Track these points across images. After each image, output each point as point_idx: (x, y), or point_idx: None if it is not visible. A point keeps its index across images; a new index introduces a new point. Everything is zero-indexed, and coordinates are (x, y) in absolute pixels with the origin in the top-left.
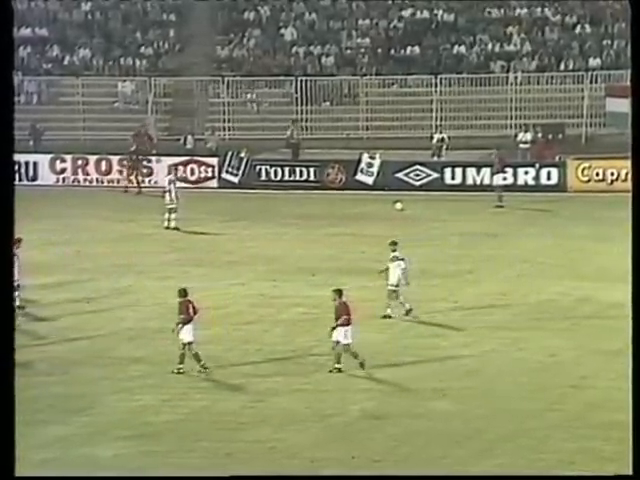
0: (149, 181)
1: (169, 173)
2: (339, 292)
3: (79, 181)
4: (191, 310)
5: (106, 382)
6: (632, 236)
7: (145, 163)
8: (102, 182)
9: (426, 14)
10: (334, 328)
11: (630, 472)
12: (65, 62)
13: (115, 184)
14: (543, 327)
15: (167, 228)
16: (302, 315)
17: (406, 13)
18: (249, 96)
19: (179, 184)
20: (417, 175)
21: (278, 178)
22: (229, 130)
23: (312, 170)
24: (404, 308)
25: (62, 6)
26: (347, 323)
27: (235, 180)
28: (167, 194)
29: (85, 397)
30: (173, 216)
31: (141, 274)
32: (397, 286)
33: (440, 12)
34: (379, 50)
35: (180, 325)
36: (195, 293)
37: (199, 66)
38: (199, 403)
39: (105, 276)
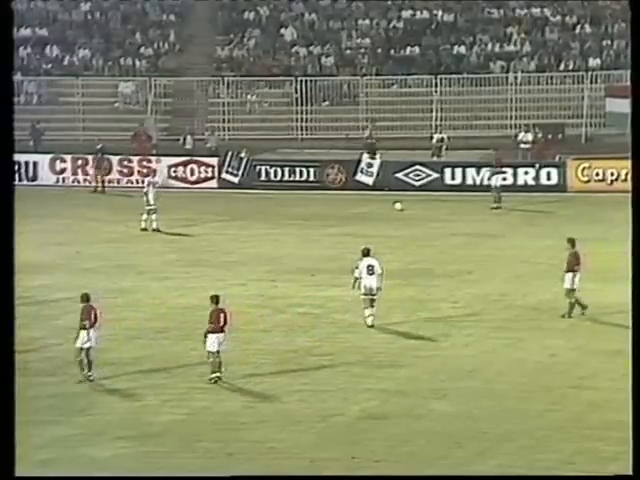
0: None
1: (148, 175)
2: (216, 298)
3: (79, 181)
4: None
5: (106, 382)
6: (632, 236)
7: (145, 163)
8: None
9: (426, 14)
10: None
11: (630, 472)
12: (65, 62)
13: (115, 184)
14: (543, 327)
15: (144, 229)
16: (302, 315)
17: (406, 13)
18: (249, 96)
19: (180, 184)
20: (417, 175)
21: (278, 178)
22: (229, 130)
23: (312, 170)
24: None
25: (62, 6)
26: (220, 330)
27: (235, 180)
28: (145, 195)
29: (85, 397)
30: (153, 217)
31: (141, 274)
32: (374, 294)
33: (440, 12)
34: (379, 50)
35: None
36: (196, 293)
37: (199, 66)
38: (199, 403)
39: (105, 276)
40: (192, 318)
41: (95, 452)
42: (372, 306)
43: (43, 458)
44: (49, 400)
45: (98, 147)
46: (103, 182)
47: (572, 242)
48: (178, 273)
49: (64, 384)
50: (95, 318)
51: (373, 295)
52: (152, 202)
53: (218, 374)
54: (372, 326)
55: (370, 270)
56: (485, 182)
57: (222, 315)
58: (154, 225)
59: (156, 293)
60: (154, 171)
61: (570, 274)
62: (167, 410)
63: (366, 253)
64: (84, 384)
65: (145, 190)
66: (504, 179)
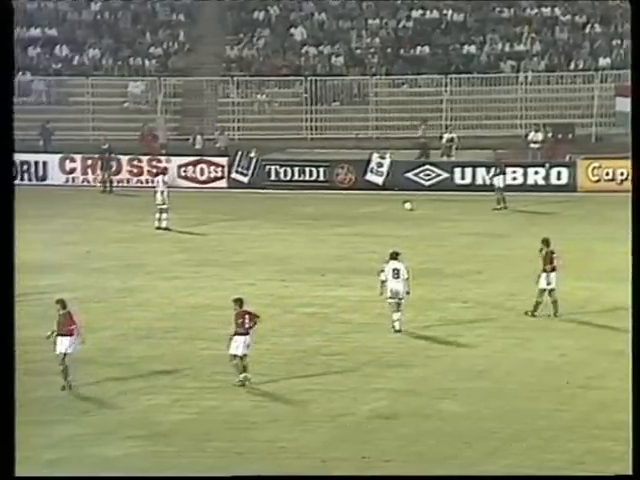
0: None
1: (158, 174)
2: (240, 301)
3: (88, 181)
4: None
5: (116, 382)
6: (632, 236)
7: (154, 163)
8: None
9: (436, 14)
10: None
11: (630, 472)
12: (75, 62)
13: (125, 184)
14: (551, 327)
15: (159, 228)
16: (312, 315)
17: (416, 13)
18: (259, 96)
19: (189, 184)
20: (427, 175)
21: (288, 178)
22: (239, 130)
23: (322, 170)
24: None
25: (71, 6)
26: (245, 333)
27: (245, 180)
28: (158, 194)
29: (95, 397)
30: (164, 216)
31: (150, 274)
32: (401, 298)
33: (450, 12)
34: (389, 50)
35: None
36: (205, 293)
37: (208, 66)
38: (209, 403)
39: (114, 275)
40: (202, 318)
41: (105, 451)
42: (399, 310)
43: (52, 458)
44: (59, 400)
45: (104, 147)
46: (110, 182)
47: (546, 242)
48: (187, 273)
49: (74, 384)
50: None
51: (400, 299)
52: (163, 201)
53: (245, 374)
54: (399, 331)
55: (396, 274)
56: (495, 182)
57: (247, 317)
58: (164, 224)
59: (165, 293)
60: (166, 170)
61: (544, 274)
62: (177, 409)
63: (394, 256)
64: (94, 384)
65: (157, 189)
66: (511, 178)
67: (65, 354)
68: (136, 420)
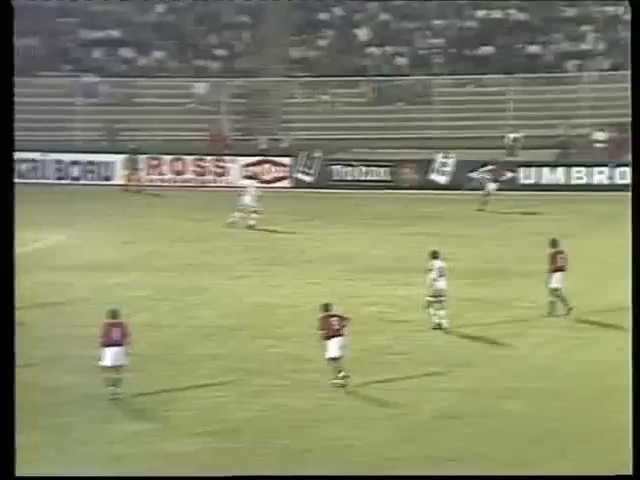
0: (222, 181)
1: (248, 177)
2: (326, 306)
3: (153, 181)
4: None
5: (182, 379)
6: (632, 236)
7: (219, 163)
8: (176, 182)
9: (500, 13)
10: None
11: (630, 472)
12: (139, 63)
13: (190, 184)
14: (617, 327)
15: (250, 227)
16: (377, 314)
17: (480, 13)
18: (323, 96)
19: (254, 183)
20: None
21: (352, 178)
22: (303, 130)
23: (386, 170)
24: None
25: (136, 8)
26: (337, 335)
27: (309, 180)
28: (246, 196)
29: (161, 394)
30: (254, 215)
31: (216, 273)
32: (444, 296)
33: (514, 11)
34: (453, 50)
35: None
36: (272, 292)
37: (273, 67)
38: (275, 400)
39: (179, 274)
40: (267, 316)
41: (172, 448)
42: (443, 308)
43: (119, 454)
44: (126, 396)
45: (131, 147)
46: (137, 182)
47: (554, 242)
48: (253, 272)
49: (140, 381)
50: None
51: (443, 297)
52: (251, 203)
53: (344, 374)
54: (444, 328)
55: (441, 272)
56: (561, 181)
57: (335, 320)
58: (252, 223)
59: (231, 291)
60: (255, 175)
61: (555, 274)
62: (243, 407)
63: (435, 255)
64: (161, 381)
65: (246, 190)
66: (575, 178)
67: (119, 365)
68: (202, 417)
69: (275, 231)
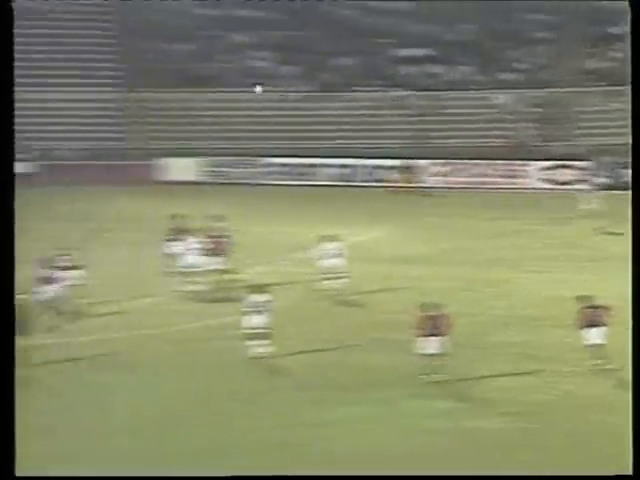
0: (520, 184)
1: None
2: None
3: (447, 183)
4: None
5: (485, 364)
6: (632, 236)
7: (518, 167)
8: (473, 184)
9: None
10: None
11: (630, 472)
12: (445, 78)
13: (493, 186)
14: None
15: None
16: None
17: None
18: (615, 105)
19: (549, 186)
20: None
21: None
22: (599, 136)
23: None
24: None
25: (446, 27)
26: (600, 324)
27: (607, 182)
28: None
29: (469, 377)
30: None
31: (512, 267)
32: None
33: None
34: None
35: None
36: (563, 286)
37: (568, 78)
38: (567, 387)
39: (477, 268)
40: (560, 309)
41: (480, 424)
42: None
43: (433, 427)
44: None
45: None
46: (411, 185)
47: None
48: (552, 267)
49: (452, 364)
50: (446, 326)
51: None
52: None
53: (605, 360)
54: None
55: None
56: None
57: (591, 311)
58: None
59: (527, 284)
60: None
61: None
62: (541, 391)
63: None
64: (466, 365)
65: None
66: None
67: (440, 353)
68: (506, 399)
69: (571, 230)
